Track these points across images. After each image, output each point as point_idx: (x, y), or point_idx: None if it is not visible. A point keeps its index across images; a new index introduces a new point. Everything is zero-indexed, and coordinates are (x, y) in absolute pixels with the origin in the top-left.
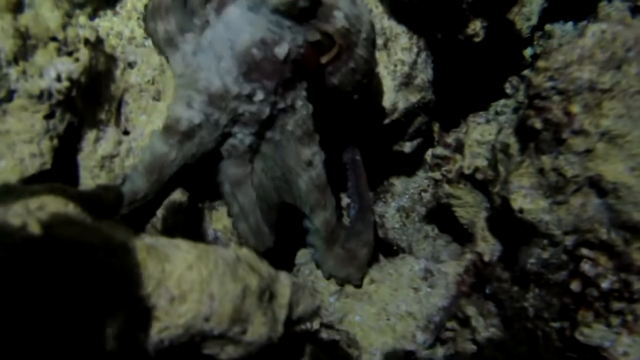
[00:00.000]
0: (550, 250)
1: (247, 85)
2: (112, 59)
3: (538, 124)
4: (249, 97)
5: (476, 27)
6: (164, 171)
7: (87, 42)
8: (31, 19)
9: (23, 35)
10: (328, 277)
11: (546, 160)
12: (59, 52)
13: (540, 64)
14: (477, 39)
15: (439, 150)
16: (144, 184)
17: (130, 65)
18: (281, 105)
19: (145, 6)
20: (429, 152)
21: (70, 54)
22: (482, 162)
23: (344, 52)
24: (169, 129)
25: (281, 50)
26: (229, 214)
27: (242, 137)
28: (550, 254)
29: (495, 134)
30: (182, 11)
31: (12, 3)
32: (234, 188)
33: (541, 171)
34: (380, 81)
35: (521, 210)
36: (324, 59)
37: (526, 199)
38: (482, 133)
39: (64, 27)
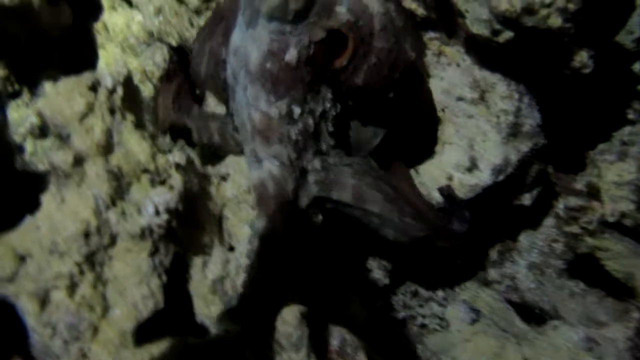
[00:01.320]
0: None
1: (281, 102)
2: (204, 177)
3: None
4: (290, 116)
5: (582, 58)
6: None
7: (178, 166)
8: (122, 157)
9: (117, 176)
10: None
11: None
12: (153, 182)
13: None
14: (585, 71)
15: (572, 201)
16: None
17: (224, 178)
18: (319, 110)
19: None
20: (560, 204)
21: (163, 182)
22: (627, 206)
23: (360, 46)
24: (261, 200)
25: (290, 57)
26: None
27: (312, 165)
28: None
29: (635, 171)
30: None
31: (102, 146)
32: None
33: None
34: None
35: None
36: (343, 59)
37: None
38: (618, 173)
39: (154, 156)
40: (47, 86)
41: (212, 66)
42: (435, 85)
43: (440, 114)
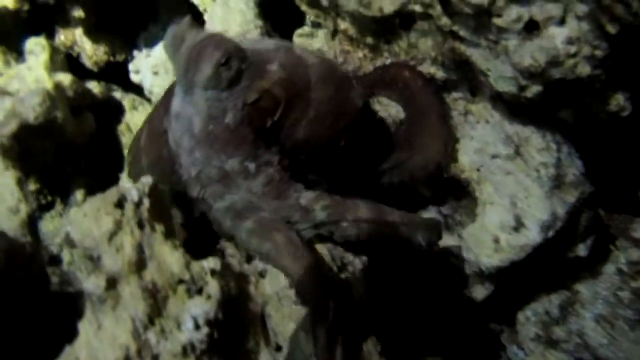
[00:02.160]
0: None
1: (232, 161)
2: (242, 277)
3: None
4: (247, 172)
5: (619, 101)
6: None
7: (213, 272)
8: (155, 271)
9: (152, 292)
10: None
11: None
12: (189, 292)
13: None
14: (624, 114)
15: (634, 254)
16: None
17: (262, 274)
18: (276, 160)
19: None
20: (622, 259)
21: (200, 291)
22: None
23: (295, 101)
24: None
25: (229, 120)
26: None
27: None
28: None
29: None
30: None
31: (135, 264)
32: None
33: None
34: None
35: None
36: (275, 116)
37: None
38: None
39: (188, 265)
40: (73, 212)
41: (153, 145)
42: (467, 146)
43: (476, 174)
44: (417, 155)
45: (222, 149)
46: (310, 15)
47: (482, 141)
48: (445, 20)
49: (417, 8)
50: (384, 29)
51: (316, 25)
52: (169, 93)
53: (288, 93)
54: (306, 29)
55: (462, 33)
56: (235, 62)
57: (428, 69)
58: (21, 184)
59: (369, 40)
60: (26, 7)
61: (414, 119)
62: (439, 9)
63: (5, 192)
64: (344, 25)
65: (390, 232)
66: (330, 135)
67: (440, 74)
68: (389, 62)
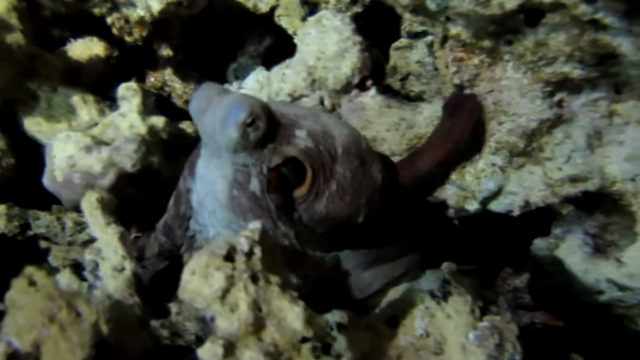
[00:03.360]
0: None
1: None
2: (371, 328)
3: None
4: None
5: None
6: None
7: (340, 326)
8: (275, 330)
9: (274, 355)
10: None
11: None
12: (315, 351)
13: None
14: None
15: None
16: None
17: (390, 323)
18: (292, 233)
19: None
20: None
21: (327, 348)
22: None
23: (320, 173)
24: None
25: (253, 186)
26: None
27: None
28: None
29: None
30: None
31: (252, 324)
32: None
33: None
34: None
35: None
36: (303, 189)
37: None
38: None
39: (310, 320)
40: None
41: (175, 202)
42: (615, 152)
43: (630, 184)
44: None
45: (243, 215)
46: (412, 23)
47: (634, 145)
48: (583, 8)
49: None
50: (504, 29)
51: (413, 36)
52: (194, 154)
53: (314, 163)
54: (403, 41)
55: (608, 20)
56: (261, 122)
57: (560, 68)
58: (123, 238)
59: (486, 43)
60: (116, 53)
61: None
62: None
63: (108, 250)
64: (454, 29)
65: None
66: (349, 211)
67: (576, 73)
68: (510, 65)
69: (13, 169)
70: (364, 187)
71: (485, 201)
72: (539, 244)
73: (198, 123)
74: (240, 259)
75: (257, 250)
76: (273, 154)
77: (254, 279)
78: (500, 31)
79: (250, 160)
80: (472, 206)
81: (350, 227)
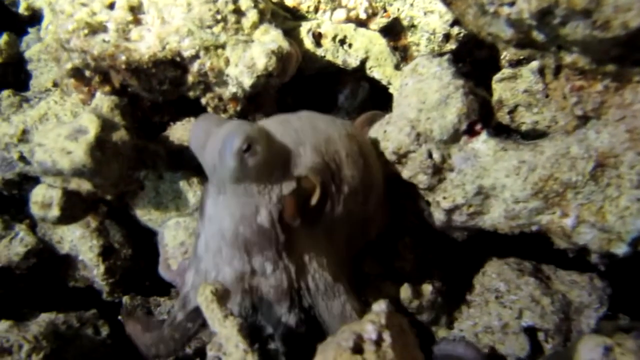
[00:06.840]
0: None
1: (255, 260)
2: None
3: None
4: (262, 273)
5: None
6: None
7: None
8: None
9: None
10: None
11: None
12: None
13: None
14: None
15: None
16: None
17: None
18: (292, 267)
19: None
20: None
21: None
22: None
23: (330, 184)
24: None
25: (261, 218)
26: None
27: (286, 318)
28: None
29: None
30: None
31: None
32: None
33: None
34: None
35: None
36: (313, 199)
37: None
38: None
39: None
40: None
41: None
42: None
43: None
44: None
45: (248, 250)
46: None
47: None
48: None
49: None
50: (630, 49)
51: (515, 64)
52: (204, 196)
53: (325, 177)
54: (506, 72)
55: None
56: (259, 146)
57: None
58: (243, 331)
59: (609, 67)
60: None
61: None
62: None
63: (229, 344)
64: (569, 58)
65: None
66: (362, 208)
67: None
68: None
69: (132, 259)
70: (367, 183)
71: (635, 242)
72: None
73: (200, 159)
74: (369, 349)
75: (387, 336)
76: (283, 180)
77: None
78: (627, 52)
79: (256, 189)
80: (621, 249)
81: (365, 223)
